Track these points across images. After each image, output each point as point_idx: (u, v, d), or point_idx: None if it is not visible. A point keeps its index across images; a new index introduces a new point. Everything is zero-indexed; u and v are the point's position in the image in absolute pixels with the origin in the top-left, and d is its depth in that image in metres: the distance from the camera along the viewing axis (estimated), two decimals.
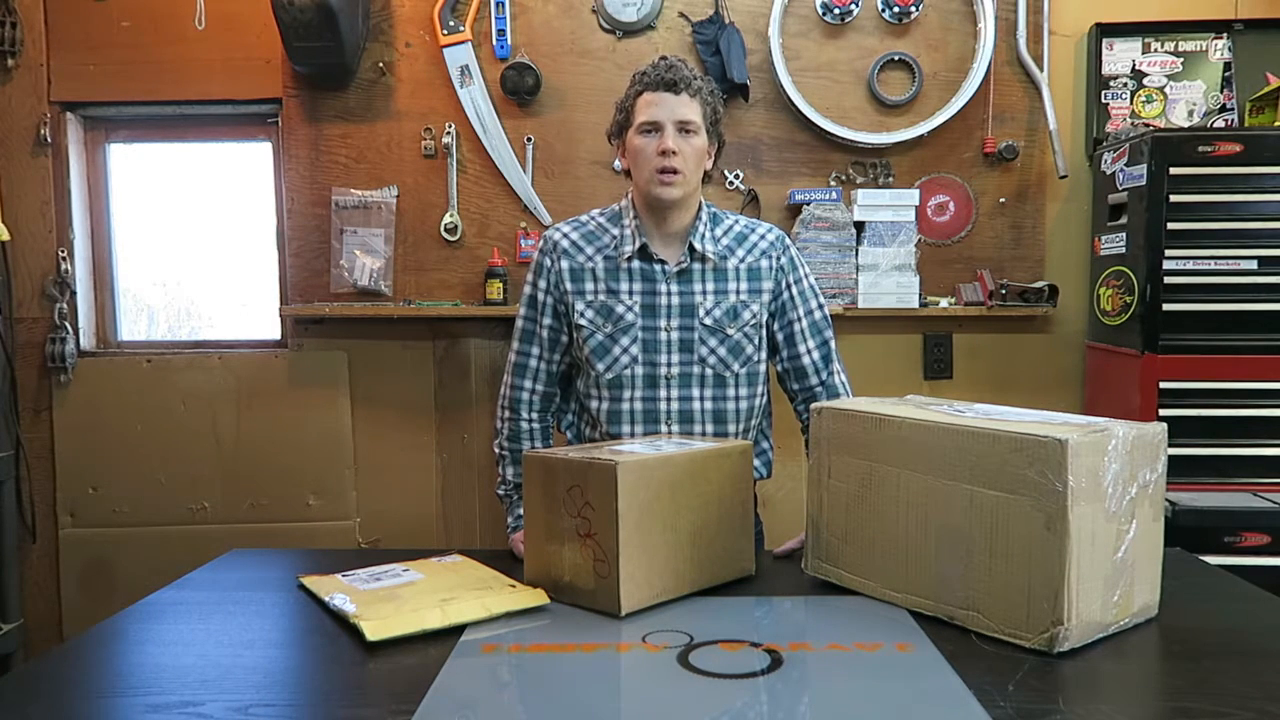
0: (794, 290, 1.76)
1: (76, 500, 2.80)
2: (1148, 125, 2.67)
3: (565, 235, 1.75)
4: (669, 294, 1.70)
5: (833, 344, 1.81)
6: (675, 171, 1.62)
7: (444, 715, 1.00)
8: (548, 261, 1.74)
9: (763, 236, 1.76)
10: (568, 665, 1.14)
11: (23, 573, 2.77)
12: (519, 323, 1.78)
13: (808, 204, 2.64)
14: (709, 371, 1.70)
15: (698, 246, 1.69)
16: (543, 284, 1.74)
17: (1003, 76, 2.69)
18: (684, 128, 1.63)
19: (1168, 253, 2.31)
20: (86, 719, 1.03)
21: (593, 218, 1.77)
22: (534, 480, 1.39)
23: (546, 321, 1.75)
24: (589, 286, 1.71)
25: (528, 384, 1.77)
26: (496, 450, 1.81)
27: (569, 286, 1.72)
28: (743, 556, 1.46)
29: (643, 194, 1.69)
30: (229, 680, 1.10)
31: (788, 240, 1.78)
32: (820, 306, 1.80)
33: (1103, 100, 2.71)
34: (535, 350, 1.76)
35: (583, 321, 1.70)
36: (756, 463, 1.79)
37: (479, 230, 2.74)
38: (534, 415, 1.78)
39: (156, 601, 1.40)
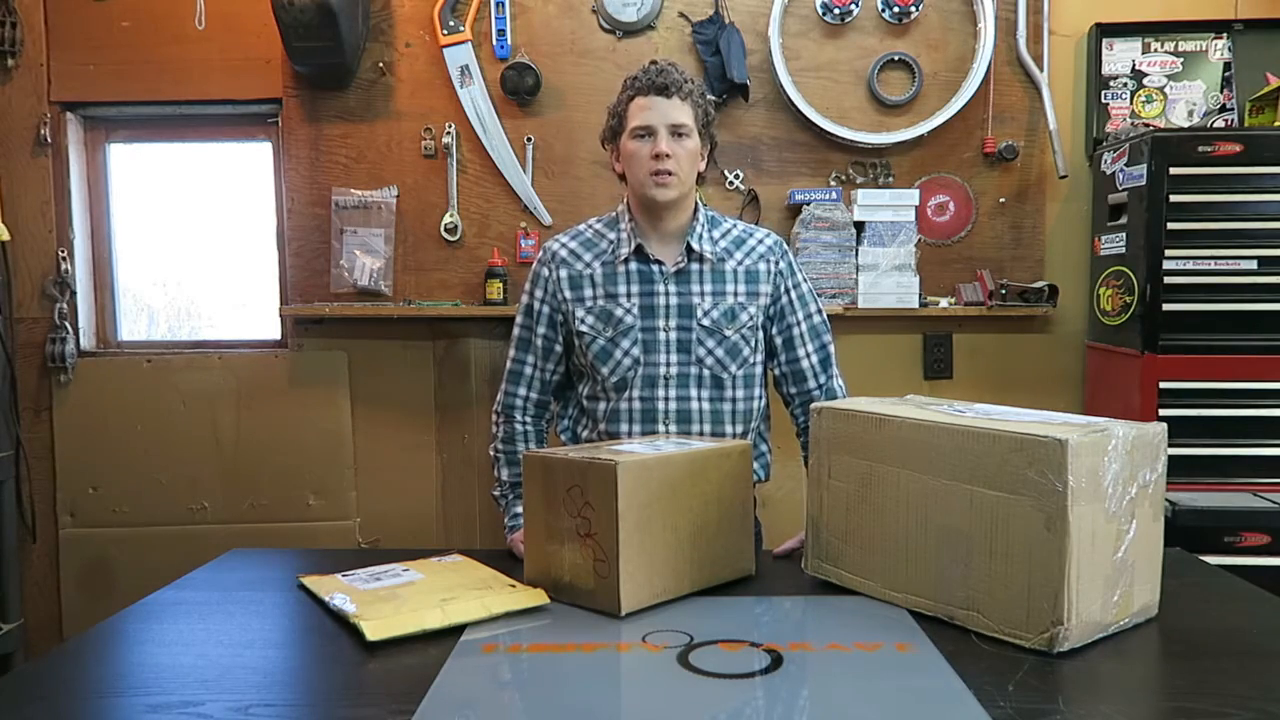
0: (793, 295, 1.77)
1: (76, 500, 2.80)
2: (1148, 125, 2.67)
3: (563, 245, 1.77)
4: (667, 294, 1.70)
5: (831, 349, 1.81)
6: (669, 173, 1.63)
7: (444, 715, 1.00)
8: (545, 271, 1.75)
9: (760, 241, 1.76)
10: (568, 665, 1.13)
11: (23, 573, 2.77)
12: (515, 331, 1.80)
13: (808, 204, 2.64)
14: (706, 372, 1.71)
15: (695, 247, 1.70)
16: (540, 294, 1.76)
17: (1003, 76, 2.69)
18: (676, 131, 1.64)
19: (1168, 253, 2.31)
20: (86, 719, 1.03)
21: (589, 225, 1.79)
22: (534, 480, 1.39)
23: (541, 331, 1.76)
24: (588, 293, 1.72)
25: (522, 391, 1.78)
26: (491, 453, 1.82)
27: (568, 295, 1.72)
28: (743, 556, 1.46)
29: (638, 196, 1.70)
30: (229, 680, 1.10)
31: (786, 246, 1.79)
32: (819, 311, 1.81)
33: (1103, 100, 2.71)
34: (530, 359, 1.78)
35: (584, 329, 1.71)
36: (755, 466, 1.79)
37: (479, 230, 2.74)
38: (528, 419, 1.79)
39: (156, 601, 1.40)
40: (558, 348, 1.77)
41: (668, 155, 1.63)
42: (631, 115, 1.66)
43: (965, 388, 2.75)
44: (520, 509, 1.64)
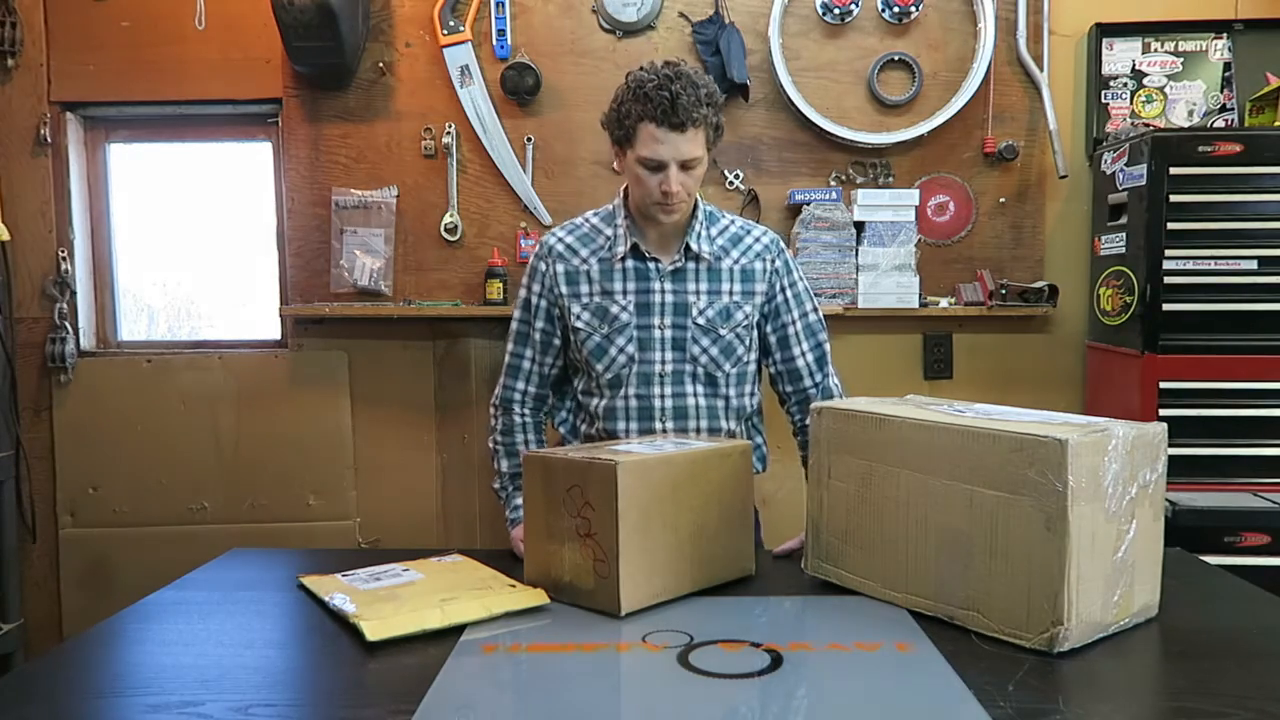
0: (789, 293, 1.77)
1: (76, 500, 2.80)
2: (1148, 125, 2.67)
3: (560, 239, 1.76)
4: (663, 292, 1.70)
5: (827, 348, 1.81)
6: (677, 202, 1.62)
7: (444, 715, 1.00)
8: (542, 266, 1.75)
9: (757, 239, 1.76)
10: (568, 665, 1.14)
11: (23, 573, 2.77)
12: (513, 325, 1.80)
13: (808, 204, 2.64)
14: (701, 370, 1.71)
15: (693, 246, 1.69)
16: (537, 288, 1.76)
17: (1003, 76, 2.69)
18: (687, 165, 1.59)
19: (1168, 253, 2.31)
20: (86, 719, 1.03)
21: (587, 219, 1.78)
22: (534, 480, 1.39)
23: (539, 325, 1.76)
24: (584, 289, 1.72)
25: (519, 384, 1.79)
26: (490, 445, 1.82)
27: (564, 289, 1.72)
28: (743, 556, 1.46)
29: (639, 207, 1.68)
30: (229, 680, 1.10)
31: (782, 244, 1.79)
32: (815, 310, 1.80)
33: (1103, 100, 2.71)
34: (528, 352, 1.78)
35: (579, 324, 1.71)
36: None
37: (479, 230, 2.74)
38: (526, 412, 1.80)
39: (156, 601, 1.40)
40: (556, 342, 1.77)
41: (677, 190, 1.60)
42: (642, 142, 1.58)
43: (965, 388, 2.75)
44: (521, 500, 1.63)
